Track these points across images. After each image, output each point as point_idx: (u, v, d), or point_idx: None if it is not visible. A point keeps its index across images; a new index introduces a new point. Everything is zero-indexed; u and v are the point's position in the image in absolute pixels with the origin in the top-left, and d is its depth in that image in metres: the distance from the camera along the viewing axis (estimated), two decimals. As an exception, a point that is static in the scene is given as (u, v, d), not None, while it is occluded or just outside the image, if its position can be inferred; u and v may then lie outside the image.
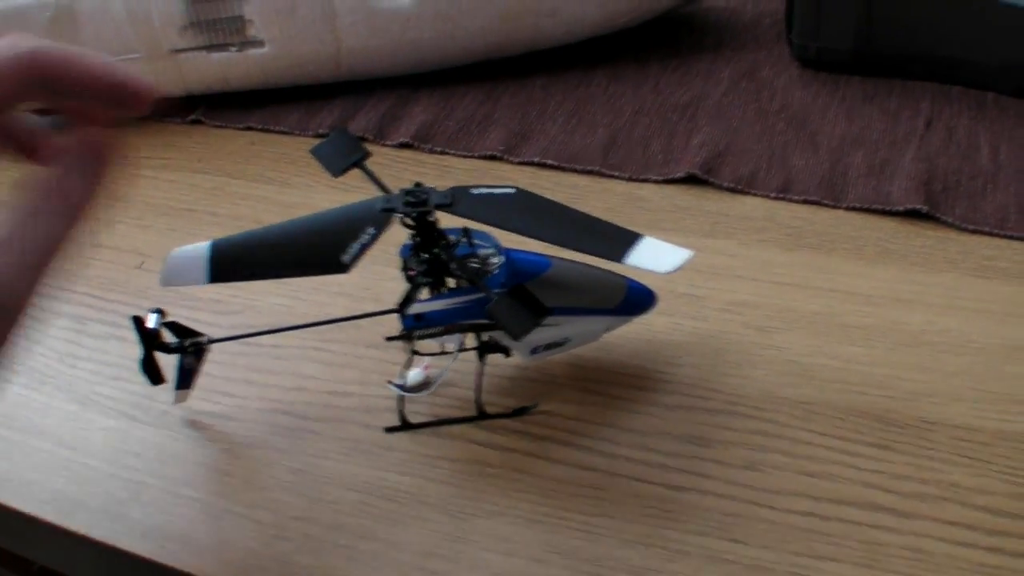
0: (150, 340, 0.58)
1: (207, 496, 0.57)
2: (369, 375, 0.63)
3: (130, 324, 0.58)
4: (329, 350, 0.65)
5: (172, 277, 0.54)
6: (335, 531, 0.55)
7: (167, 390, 0.61)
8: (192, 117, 0.91)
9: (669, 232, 0.72)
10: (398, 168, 0.82)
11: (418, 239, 0.55)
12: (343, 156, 0.58)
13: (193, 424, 0.62)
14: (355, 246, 0.52)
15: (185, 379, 0.61)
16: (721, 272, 0.69)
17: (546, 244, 0.53)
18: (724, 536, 0.53)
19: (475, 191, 0.54)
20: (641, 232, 0.53)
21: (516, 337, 0.52)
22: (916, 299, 0.66)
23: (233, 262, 0.54)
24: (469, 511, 0.55)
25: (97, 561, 0.59)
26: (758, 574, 0.51)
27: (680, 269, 0.50)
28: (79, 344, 0.68)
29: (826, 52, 0.88)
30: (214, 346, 0.61)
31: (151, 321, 0.59)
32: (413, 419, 0.60)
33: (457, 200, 0.53)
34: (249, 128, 0.90)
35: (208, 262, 0.54)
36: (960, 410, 0.58)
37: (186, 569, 0.54)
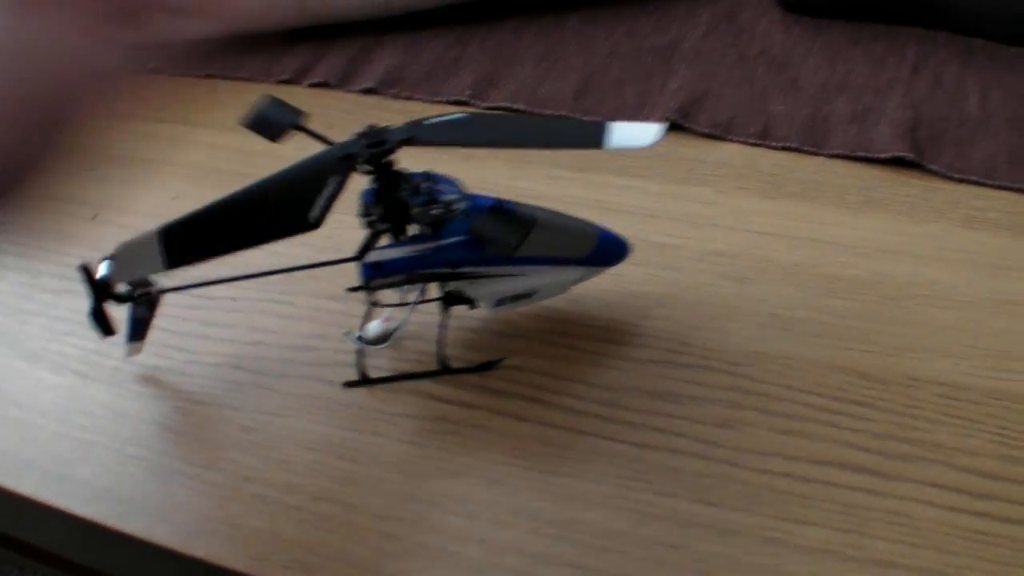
0: (100, 290, 0.56)
1: (157, 456, 0.56)
2: (328, 328, 0.61)
3: (80, 274, 0.56)
4: (287, 302, 0.63)
5: (125, 270, 0.53)
6: (288, 492, 0.53)
7: (119, 344, 0.59)
8: (151, 65, 0.88)
9: (644, 179, 0.70)
10: (362, 115, 0.80)
11: (379, 184, 0.52)
12: (278, 121, 0.55)
13: (145, 381, 0.60)
14: (320, 200, 0.50)
15: (137, 330, 0.59)
16: (697, 221, 0.67)
17: (522, 150, 0.51)
18: (697, 498, 0.51)
19: (429, 121, 0.52)
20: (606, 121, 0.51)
21: (511, 250, 0.50)
22: (901, 250, 0.63)
23: (190, 242, 0.52)
24: (429, 471, 0.53)
25: (44, 524, 0.58)
26: (732, 538, 0.49)
27: (658, 140, 0.48)
28: (30, 299, 0.66)
29: (809, -5, 0.85)
30: (167, 298, 0.59)
31: (102, 270, 0.56)
32: (373, 374, 0.58)
33: (417, 133, 0.51)
34: (209, 76, 0.88)
35: (161, 248, 0.51)
36: (946, 367, 0.56)
37: (134, 533, 0.52)
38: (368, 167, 0.52)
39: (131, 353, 0.60)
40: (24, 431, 0.58)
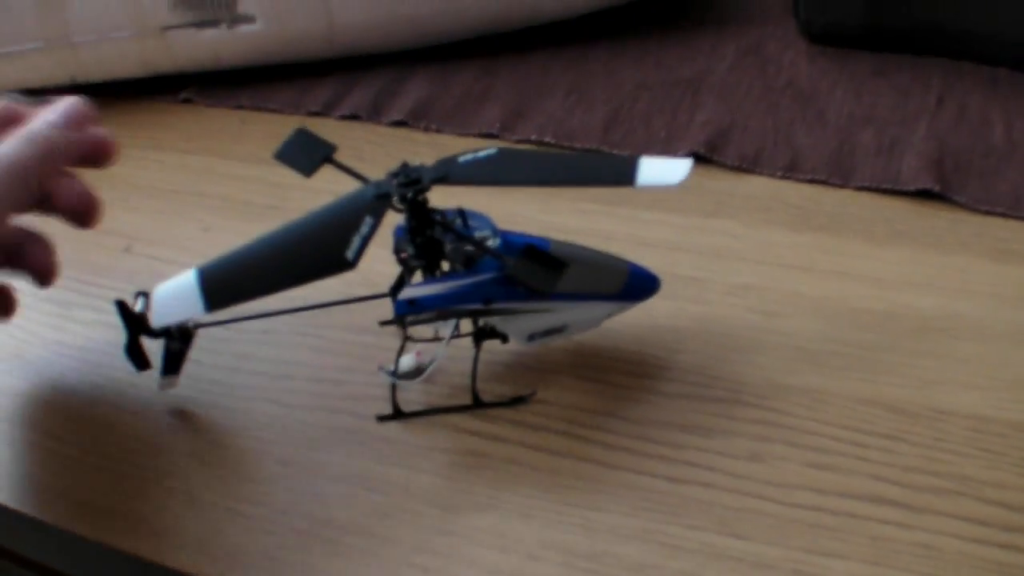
0: (135, 324, 0.57)
1: (193, 489, 0.56)
2: (361, 362, 0.61)
3: (114, 309, 0.57)
4: (320, 335, 0.64)
5: (165, 315, 0.52)
6: (323, 525, 0.53)
7: (153, 377, 0.59)
8: (182, 96, 0.90)
9: (671, 212, 0.70)
10: (391, 147, 0.80)
11: (412, 222, 0.53)
12: (310, 155, 0.56)
13: (179, 413, 0.60)
14: (356, 239, 0.51)
15: (172, 364, 0.59)
16: (725, 254, 0.67)
17: (552, 188, 0.51)
18: (727, 531, 0.51)
19: (462, 159, 0.53)
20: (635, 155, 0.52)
21: (548, 292, 0.51)
22: (928, 283, 0.64)
23: (228, 284, 0.52)
24: (462, 504, 0.53)
25: (79, 555, 0.58)
26: (762, 571, 0.49)
27: (687, 178, 0.50)
28: (63, 331, 0.67)
29: (834, 26, 0.86)
30: (201, 332, 0.59)
31: (137, 305, 0.57)
32: (406, 407, 0.58)
33: (449, 172, 0.52)
34: (240, 107, 0.88)
35: (200, 291, 0.51)
36: (973, 399, 0.56)
37: (171, 564, 0.52)
38: (401, 206, 0.52)
39: (165, 387, 0.60)
40: (59, 463, 0.58)
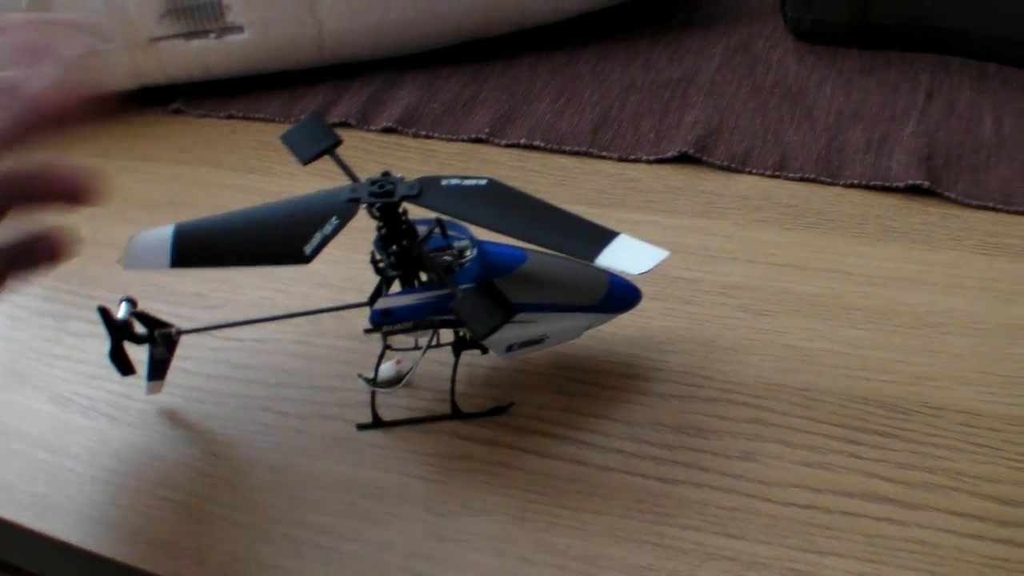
0: (118, 331, 0.57)
1: (187, 498, 0.56)
2: (352, 368, 0.62)
3: (98, 316, 0.57)
4: (311, 343, 0.64)
5: (135, 260, 0.53)
6: (317, 532, 0.53)
7: (141, 385, 0.60)
8: (173, 107, 0.90)
9: (662, 213, 0.71)
10: (381, 153, 0.81)
11: (384, 231, 0.53)
12: (313, 143, 0.56)
13: (173, 423, 0.60)
14: (318, 236, 0.51)
15: (157, 370, 0.60)
16: (716, 254, 0.67)
17: (515, 240, 0.51)
18: (721, 531, 0.51)
19: (445, 182, 0.53)
20: (617, 231, 0.51)
21: (480, 337, 0.51)
22: (919, 279, 0.64)
23: (196, 248, 0.53)
24: (455, 509, 0.54)
25: (76, 566, 0.58)
26: (757, 571, 0.49)
27: (652, 270, 0.48)
28: (58, 343, 0.67)
29: (821, 24, 0.86)
30: (195, 341, 0.60)
31: (121, 311, 0.57)
32: (388, 416, 0.59)
33: (425, 191, 0.52)
34: (231, 116, 0.89)
35: (172, 246, 0.52)
36: (966, 394, 0.57)
37: (166, 574, 0.53)
38: (376, 213, 0.52)
39: (151, 391, 0.60)
40: (54, 474, 0.58)
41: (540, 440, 0.56)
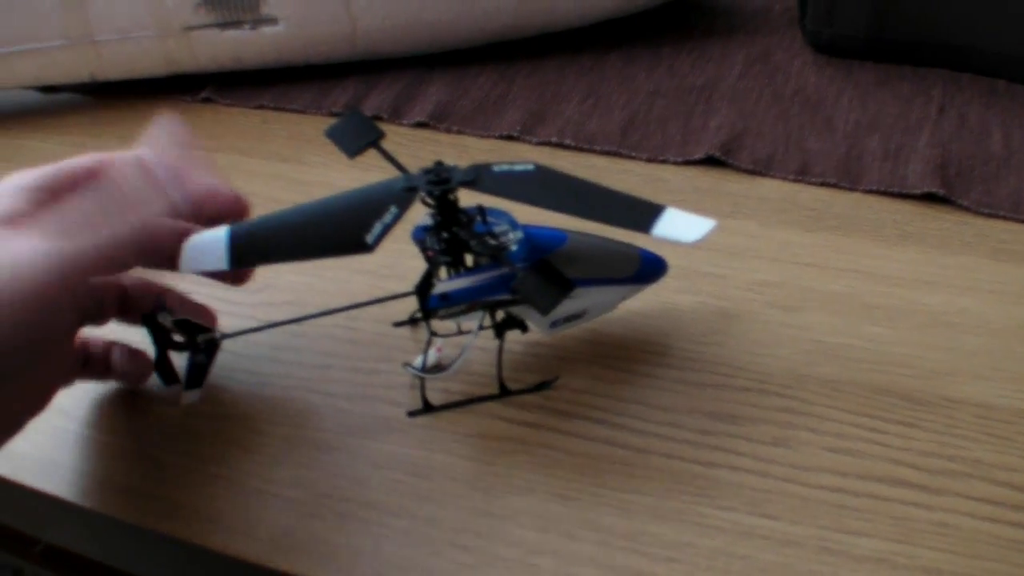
0: (166, 340, 0.58)
1: (237, 475, 0.57)
2: (393, 352, 0.63)
3: (143, 323, 0.58)
4: (353, 327, 0.65)
5: (192, 263, 0.53)
6: (366, 508, 0.55)
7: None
8: (203, 95, 0.91)
9: (692, 213, 0.71)
10: (414, 147, 0.82)
11: (439, 218, 0.55)
12: (358, 137, 0.58)
13: (219, 403, 0.61)
14: (378, 226, 0.52)
15: (195, 377, 0.59)
16: (743, 252, 0.69)
17: (568, 218, 0.53)
18: (756, 511, 0.53)
19: (496, 168, 0.54)
20: (664, 204, 0.53)
21: (545, 312, 0.52)
22: (935, 280, 0.66)
23: (253, 246, 0.53)
24: (500, 487, 0.55)
25: (126, 542, 0.60)
26: (790, 548, 0.51)
27: (705, 238, 0.51)
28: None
29: (839, 38, 0.88)
30: (235, 325, 0.61)
31: (163, 319, 0.58)
32: (434, 400, 0.60)
33: (480, 178, 0.53)
34: (261, 107, 0.90)
35: (228, 247, 0.53)
36: (981, 389, 0.59)
37: (217, 548, 0.54)
38: (430, 201, 0.54)
39: (187, 400, 0.59)
40: (102, 451, 0.59)
41: (581, 423, 0.58)
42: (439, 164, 0.54)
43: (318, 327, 0.64)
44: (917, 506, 0.53)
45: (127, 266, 0.54)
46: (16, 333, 0.47)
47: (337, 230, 0.53)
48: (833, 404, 0.58)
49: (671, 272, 0.61)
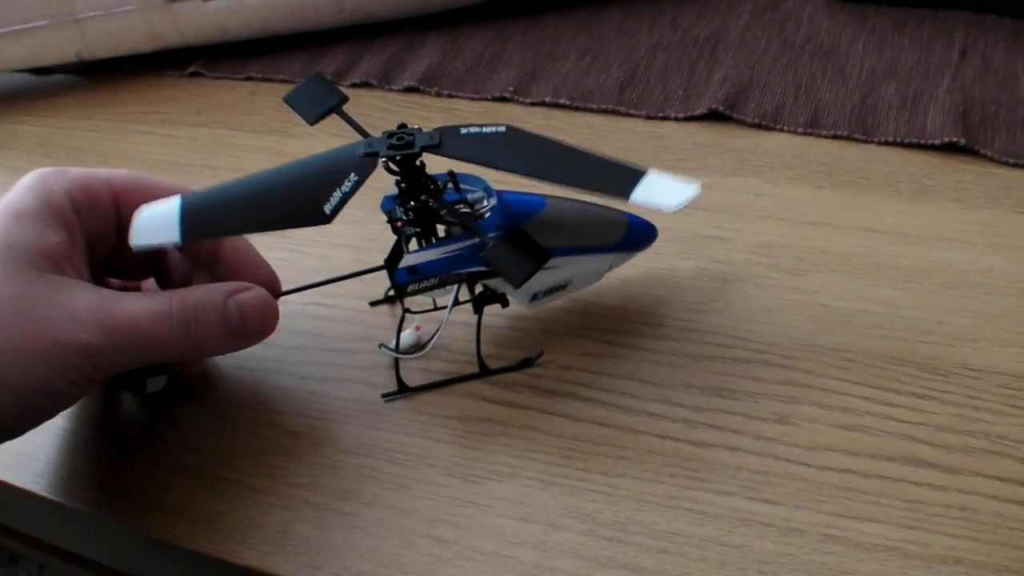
0: None
1: (204, 463, 0.55)
2: (372, 330, 0.60)
3: None
4: (330, 305, 0.63)
5: (142, 237, 0.49)
6: (338, 498, 0.52)
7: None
8: (191, 69, 0.89)
9: (692, 171, 0.69)
10: (403, 113, 0.80)
11: (404, 186, 0.52)
12: (319, 102, 0.55)
13: (188, 387, 0.59)
14: (337, 195, 0.49)
15: (160, 364, 0.58)
16: (748, 212, 0.66)
17: (543, 183, 0.49)
18: (755, 496, 0.50)
19: (464, 131, 0.51)
20: (645, 167, 0.49)
21: (517, 284, 0.49)
22: (956, 237, 0.62)
23: (207, 218, 0.50)
24: (480, 473, 0.52)
25: (89, 533, 0.58)
26: (792, 536, 0.48)
27: (688, 205, 0.47)
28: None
29: (853, -19, 0.84)
30: None
31: None
32: (411, 381, 0.57)
33: (445, 141, 0.50)
34: (249, 78, 0.88)
35: (180, 219, 0.49)
36: (1006, 356, 0.55)
37: (179, 542, 0.52)
38: (394, 167, 0.51)
39: (154, 388, 0.59)
40: (69, 441, 0.57)
41: (567, 402, 0.55)
42: (402, 126, 0.51)
43: (295, 306, 0.61)
44: (932, 487, 0.49)
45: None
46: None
47: (294, 200, 0.50)
48: (842, 376, 0.55)
49: (669, 235, 0.57)
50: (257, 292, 0.53)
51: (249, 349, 0.57)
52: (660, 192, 0.48)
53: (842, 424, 0.52)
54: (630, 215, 0.57)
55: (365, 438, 0.55)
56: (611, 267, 0.58)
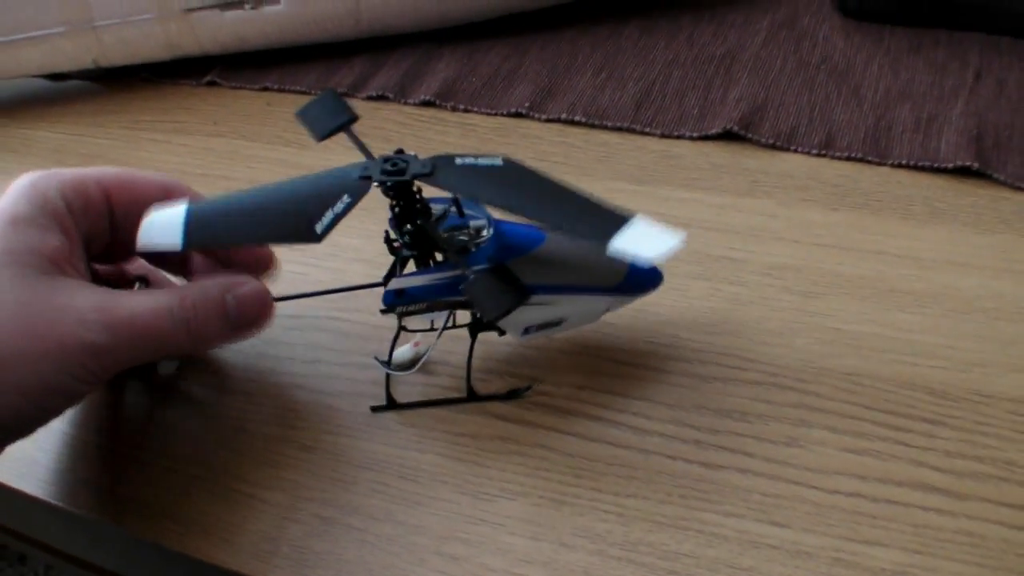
0: None
1: (217, 476, 0.55)
2: (387, 346, 0.59)
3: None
4: (346, 319, 0.63)
5: (146, 241, 0.50)
6: (349, 513, 0.52)
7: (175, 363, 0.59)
8: (207, 79, 0.89)
9: (705, 191, 0.69)
10: (419, 127, 0.79)
11: (397, 209, 0.52)
12: (329, 119, 0.55)
13: (202, 399, 0.59)
14: (329, 215, 0.49)
15: None
16: (760, 234, 0.66)
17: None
18: (764, 519, 0.50)
19: (459, 161, 0.51)
20: (633, 214, 0.49)
21: (490, 320, 0.50)
22: (968, 262, 0.62)
23: (207, 227, 0.51)
24: (491, 491, 0.52)
25: (98, 541, 0.59)
26: (801, 560, 0.48)
27: (667, 256, 0.46)
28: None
29: (869, 2, 0.85)
30: None
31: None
32: (407, 398, 0.57)
33: (438, 169, 0.50)
34: (266, 88, 0.87)
35: (183, 226, 0.50)
36: (1017, 382, 0.55)
37: (194, 554, 0.52)
38: (390, 191, 0.51)
39: (165, 371, 0.60)
40: (81, 450, 0.57)
41: (580, 422, 0.55)
42: (399, 152, 0.51)
43: (310, 319, 0.62)
44: (940, 513, 0.49)
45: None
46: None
47: (288, 217, 0.51)
48: (852, 399, 0.55)
49: (681, 256, 0.57)
50: (254, 286, 0.54)
51: (265, 363, 0.58)
52: (641, 242, 0.47)
53: (852, 448, 0.52)
54: None
55: (378, 453, 0.55)
56: (608, 309, 0.57)
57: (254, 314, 0.54)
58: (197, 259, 0.58)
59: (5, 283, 0.48)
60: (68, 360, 0.47)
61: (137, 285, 0.58)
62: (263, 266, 0.58)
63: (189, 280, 0.59)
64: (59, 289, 0.49)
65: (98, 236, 0.54)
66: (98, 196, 0.54)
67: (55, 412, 0.50)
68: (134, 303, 0.50)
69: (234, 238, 0.52)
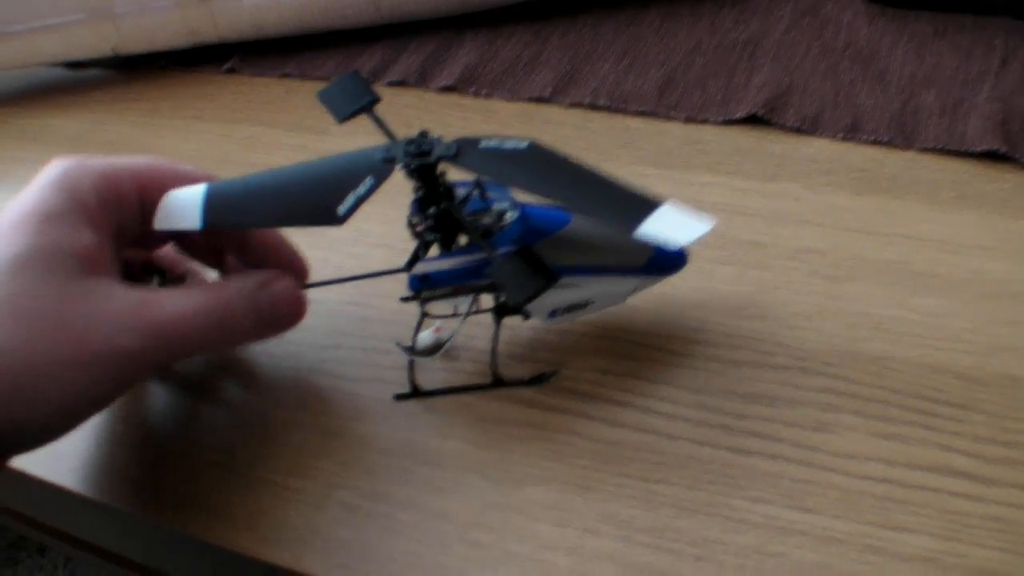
0: None
1: (240, 464, 0.55)
2: (408, 332, 0.59)
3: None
4: (369, 304, 0.62)
5: (166, 219, 0.51)
6: (373, 500, 0.52)
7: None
8: (227, 66, 0.89)
9: (729, 176, 0.69)
10: (440, 113, 0.79)
11: (422, 192, 0.51)
12: (351, 101, 0.55)
13: (223, 387, 0.59)
14: (351, 197, 0.49)
15: None
16: (786, 218, 0.65)
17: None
18: (793, 504, 0.49)
19: (484, 144, 0.51)
20: (662, 199, 0.48)
21: (517, 303, 0.50)
22: (997, 246, 0.62)
23: (227, 208, 0.51)
24: (517, 477, 0.52)
25: (129, 534, 0.58)
26: (830, 546, 0.47)
27: (697, 242, 0.46)
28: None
29: (893, -13, 0.84)
30: None
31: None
32: (430, 384, 0.57)
33: (463, 152, 0.50)
34: (285, 76, 0.87)
35: (202, 206, 0.50)
36: (1047, 366, 0.54)
37: (214, 540, 0.51)
38: (413, 174, 0.51)
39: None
40: (104, 437, 0.57)
41: (606, 407, 0.55)
42: (423, 134, 0.51)
43: (332, 305, 0.62)
44: (970, 498, 0.49)
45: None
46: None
47: (310, 199, 0.50)
48: (880, 384, 0.54)
49: (707, 240, 0.57)
50: (286, 283, 0.53)
51: (286, 349, 0.58)
52: (671, 227, 0.47)
53: (881, 433, 0.52)
54: None
55: (401, 439, 0.54)
56: (635, 290, 0.57)
57: (287, 312, 0.54)
58: (231, 260, 0.58)
59: (38, 286, 0.47)
60: (102, 368, 0.47)
61: (156, 279, 0.58)
62: (296, 275, 0.56)
63: (222, 273, 0.59)
64: (92, 291, 0.48)
65: (129, 228, 0.53)
66: (131, 190, 0.53)
67: (85, 418, 0.49)
68: (167, 304, 0.49)
69: (254, 219, 0.51)
